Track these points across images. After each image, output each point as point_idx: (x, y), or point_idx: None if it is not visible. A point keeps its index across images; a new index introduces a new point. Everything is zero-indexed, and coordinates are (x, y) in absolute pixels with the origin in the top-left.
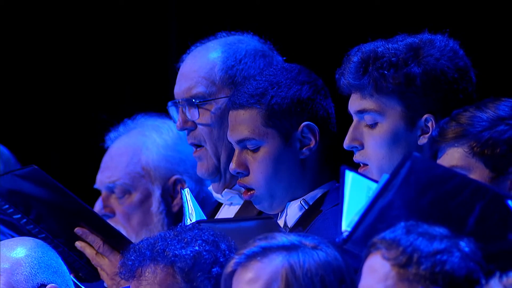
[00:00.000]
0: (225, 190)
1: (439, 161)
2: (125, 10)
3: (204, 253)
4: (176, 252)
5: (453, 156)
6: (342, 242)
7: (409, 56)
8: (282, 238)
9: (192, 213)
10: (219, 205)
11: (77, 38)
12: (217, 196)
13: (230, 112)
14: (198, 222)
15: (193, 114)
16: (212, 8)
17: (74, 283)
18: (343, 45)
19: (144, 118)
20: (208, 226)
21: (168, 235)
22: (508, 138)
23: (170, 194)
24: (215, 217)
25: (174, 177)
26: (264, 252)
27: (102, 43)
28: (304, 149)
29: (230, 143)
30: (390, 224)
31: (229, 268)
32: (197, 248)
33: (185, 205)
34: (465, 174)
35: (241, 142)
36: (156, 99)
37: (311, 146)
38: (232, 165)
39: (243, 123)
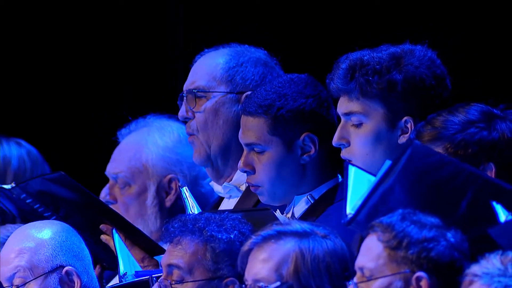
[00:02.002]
0: (224, 183)
1: None
2: (126, 11)
3: (237, 243)
4: (213, 234)
5: None
6: (346, 223)
7: (392, 64)
8: (296, 225)
9: (194, 207)
10: (221, 199)
11: (78, 39)
12: (217, 190)
13: (242, 116)
14: (203, 212)
15: (191, 102)
16: (212, 9)
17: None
18: (336, 52)
19: (154, 118)
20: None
21: (212, 217)
22: (478, 139)
23: (165, 190)
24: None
25: (169, 176)
26: (279, 235)
27: (103, 43)
28: (304, 155)
29: (223, 134)
30: (390, 207)
31: (246, 246)
32: (232, 236)
33: (186, 201)
34: (460, 162)
35: (249, 145)
36: (155, 99)
37: (311, 153)
38: (240, 164)
39: (251, 129)
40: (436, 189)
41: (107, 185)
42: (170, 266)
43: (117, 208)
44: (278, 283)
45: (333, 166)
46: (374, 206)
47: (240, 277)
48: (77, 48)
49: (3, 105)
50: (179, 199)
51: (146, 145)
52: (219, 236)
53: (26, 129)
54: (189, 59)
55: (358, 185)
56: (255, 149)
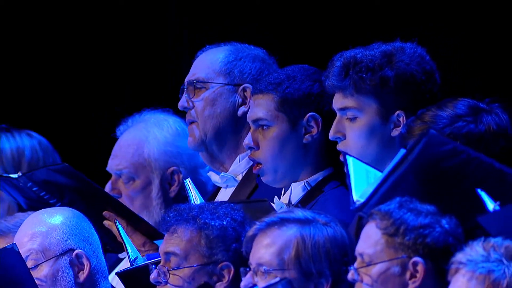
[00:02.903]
0: (222, 174)
1: None
2: (126, 12)
3: (230, 229)
4: (207, 221)
5: None
6: (356, 209)
7: (384, 61)
8: (299, 213)
9: (196, 198)
10: (218, 189)
11: (79, 38)
12: (215, 180)
13: (253, 96)
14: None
15: (191, 93)
16: (212, 10)
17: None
18: (333, 52)
19: (150, 114)
20: None
21: (206, 206)
22: (466, 132)
23: (168, 182)
24: (215, 199)
25: (171, 168)
26: (282, 222)
27: (103, 44)
28: (307, 135)
29: (219, 122)
30: (402, 194)
31: (251, 232)
32: (224, 223)
33: (189, 193)
34: (473, 150)
35: (256, 122)
36: (155, 99)
37: (313, 134)
38: (246, 141)
39: (260, 105)
40: (448, 176)
41: (110, 181)
42: (167, 253)
43: (122, 201)
44: (277, 279)
45: (331, 154)
46: (386, 193)
47: (246, 261)
48: (79, 48)
49: (13, 102)
50: (182, 189)
51: (147, 140)
52: (212, 223)
53: (32, 125)
54: (189, 59)
55: (358, 174)
56: (261, 125)
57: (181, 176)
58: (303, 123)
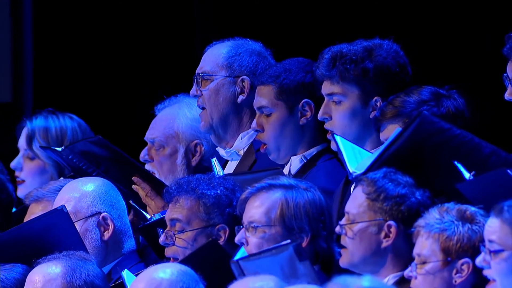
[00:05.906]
0: (226, 149)
1: (382, 135)
2: (150, 13)
3: (223, 196)
4: (203, 191)
5: (391, 131)
6: (355, 178)
7: (365, 55)
8: (284, 180)
9: (220, 172)
10: (226, 162)
11: (96, 39)
12: (222, 154)
13: (257, 87)
14: (226, 175)
15: (199, 83)
16: (216, 11)
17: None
18: (321, 46)
19: (183, 97)
20: (233, 178)
21: (202, 177)
22: None
23: (191, 152)
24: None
25: (195, 141)
26: (270, 187)
27: (141, 37)
28: (302, 118)
29: (222, 109)
30: (396, 166)
31: (244, 195)
32: (218, 192)
33: (214, 168)
34: (455, 127)
35: (260, 109)
36: (181, 84)
37: (308, 117)
38: (253, 124)
39: (262, 95)
40: (435, 150)
41: (146, 148)
42: (172, 220)
43: (153, 165)
44: (288, 240)
45: (324, 132)
46: (382, 164)
47: (238, 222)
48: (98, 49)
49: (58, 90)
50: (202, 160)
51: (178, 116)
52: (208, 193)
53: (77, 109)
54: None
55: (347, 149)
56: (264, 111)
57: (203, 148)
58: (299, 108)
